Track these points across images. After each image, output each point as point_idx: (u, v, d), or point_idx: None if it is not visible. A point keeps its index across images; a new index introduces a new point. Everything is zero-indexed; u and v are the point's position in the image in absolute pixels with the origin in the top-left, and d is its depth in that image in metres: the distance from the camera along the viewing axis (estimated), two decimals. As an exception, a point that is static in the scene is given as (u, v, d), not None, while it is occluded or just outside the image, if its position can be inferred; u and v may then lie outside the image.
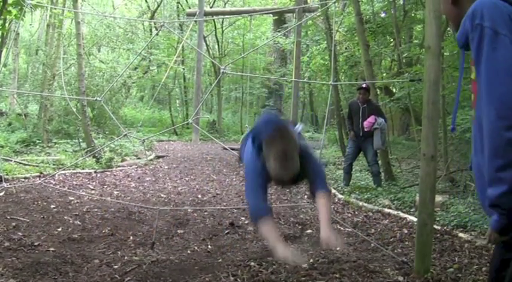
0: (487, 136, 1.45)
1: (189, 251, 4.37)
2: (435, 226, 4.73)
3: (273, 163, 2.68)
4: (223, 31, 20.74)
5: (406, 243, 4.71)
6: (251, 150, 2.94)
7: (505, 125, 1.41)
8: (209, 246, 4.54)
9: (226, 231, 5.11)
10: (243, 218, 5.73)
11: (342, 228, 5.30)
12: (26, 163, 8.27)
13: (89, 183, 7.59)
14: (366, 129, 7.56)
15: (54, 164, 8.51)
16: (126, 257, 4.09)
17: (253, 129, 3.19)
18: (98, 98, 7.25)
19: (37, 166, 8.19)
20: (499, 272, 1.64)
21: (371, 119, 7.53)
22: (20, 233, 4.56)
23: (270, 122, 3.08)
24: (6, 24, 8.69)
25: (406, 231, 5.16)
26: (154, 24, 19.50)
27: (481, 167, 1.54)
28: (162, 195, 7.02)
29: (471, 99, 1.63)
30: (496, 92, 1.43)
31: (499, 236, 1.53)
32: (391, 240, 4.88)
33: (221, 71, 6.28)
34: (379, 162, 7.86)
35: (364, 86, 7.84)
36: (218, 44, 20.98)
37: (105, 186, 7.48)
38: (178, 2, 20.78)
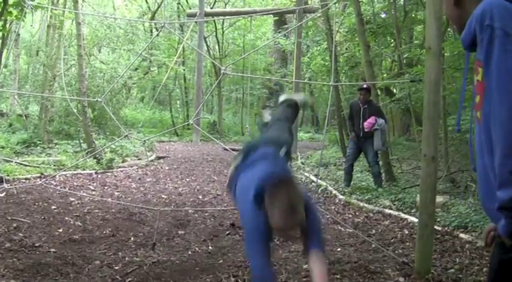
0: (499, 137, 1.43)
1: (189, 252, 4.37)
2: (436, 227, 4.73)
3: (278, 216, 2.37)
4: (223, 32, 20.72)
5: (407, 244, 4.71)
6: (250, 202, 2.53)
7: None
8: (210, 247, 4.54)
9: (227, 232, 5.11)
10: (243, 219, 5.73)
11: (342, 229, 5.30)
12: (27, 164, 8.27)
13: (89, 184, 7.59)
14: (366, 130, 7.56)
15: (54, 165, 8.51)
16: (127, 258, 4.09)
17: (248, 167, 2.83)
18: (98, 99, 7.26)
19: (38, 167, 8.18)
20: (497, 273, 1.64)
21: (371, 119, 7.53)
22: (20, 234, 4.56)
23: (272, 166, 2.77)
24: (7, 25, 8.67)
25: (406, 232, 5.16)
26: (155, 25, 19.50)
27: (488, 169, 1.52)
28: (163, 196, 7.02)
29: (475, 100, 1.61)
30: (508, 93, 1.42)
31: (510, 240, 1.50)
32: (391, 241, 4.88)
33: (222, 71, 6.30)
34: (380, 162, 7.85)
35: (365, 86, 7.84)
36: (219, 45, 20.96)
37: (106, 187, 7.49)
38: (178, 3, 20.78)
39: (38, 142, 10.37)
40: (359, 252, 4.40)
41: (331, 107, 11.89)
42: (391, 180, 7.92)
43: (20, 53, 19.20)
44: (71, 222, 5.18)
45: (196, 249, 4.48)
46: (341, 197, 7.12)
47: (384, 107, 9.93)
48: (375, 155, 7.66)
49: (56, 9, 11.03)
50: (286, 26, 18.95)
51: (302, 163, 11.07)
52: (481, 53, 1.50)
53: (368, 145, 7.64)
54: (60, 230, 4.84)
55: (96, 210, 5.80)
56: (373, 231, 5.31)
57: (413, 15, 11.08)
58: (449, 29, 8.36)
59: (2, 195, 6.09)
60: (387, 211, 6.09)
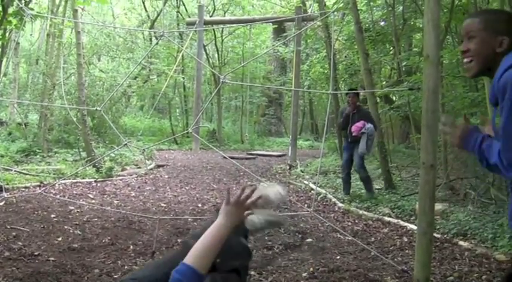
0: None
1: (189, 260, 4.36)
2: (435, 234, 4.73)
3: None
4: (223, 40, 20.77)
5: (406, 251, 4.71)
6: None
7: None
8: (209, 256, 4.53)
9: (227, 240, 5.10)
10: (243, 227, 5.72)
11: (342, 237, 5.29)
12: (26, 173, 8.27)
13: (89, 193, 7.59)
14: (353, 134, 7.54)
15: (54, 174, 8.51)
16: (126, 267, 4.09)
17: None
18: (98, 108, 7.26)
19: (37, 176, 8.19)
20: None
21: (360, 123, 7.51)
22: (20, 243, 4.55)
23: None
24: (7, 34, 8.70)
25: (406, 240, 5.16)
26: (154, 33, 19.58)
27: None
28: (162, 205, 7.02)
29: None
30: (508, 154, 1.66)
31: None
32: (391, 248, 4.88)
33: (221, 80, 6.32)
34: (380, 168, 7.82)
35: (353, 90, 7.85)
36: (218, 53, 21.01)
37: (105, 196, 7.48)
38: (177, 11, 20.85)
39: (38, 151, 10.38)
40: (358, 260, 4.40)
41: (330, 114, 11.91)
42: (391, 188, 7.91)
43: (20, 61, 19.24)
44: (70, 231, 5.17)
45: (196, 257, 4.47)
46: (340, 204, 7.13)
47: (383, 114, 9.95)
48: (360, 159, 7.59)
49: (55, 18, 11.07)
50: (285, 34, 19.04)
51: (301, 171, 11.08)
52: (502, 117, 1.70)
53: (355, 150, 7.61)
54: (60, 239, 4.84)
55: (96, 219, 5.80)
56: (372, 239, 5.32)
57: (412, 23, 11.11)
58: (448, 37, 8.40)
59: (1, 204, 6.08)
60: (386, 219, 6.10)
